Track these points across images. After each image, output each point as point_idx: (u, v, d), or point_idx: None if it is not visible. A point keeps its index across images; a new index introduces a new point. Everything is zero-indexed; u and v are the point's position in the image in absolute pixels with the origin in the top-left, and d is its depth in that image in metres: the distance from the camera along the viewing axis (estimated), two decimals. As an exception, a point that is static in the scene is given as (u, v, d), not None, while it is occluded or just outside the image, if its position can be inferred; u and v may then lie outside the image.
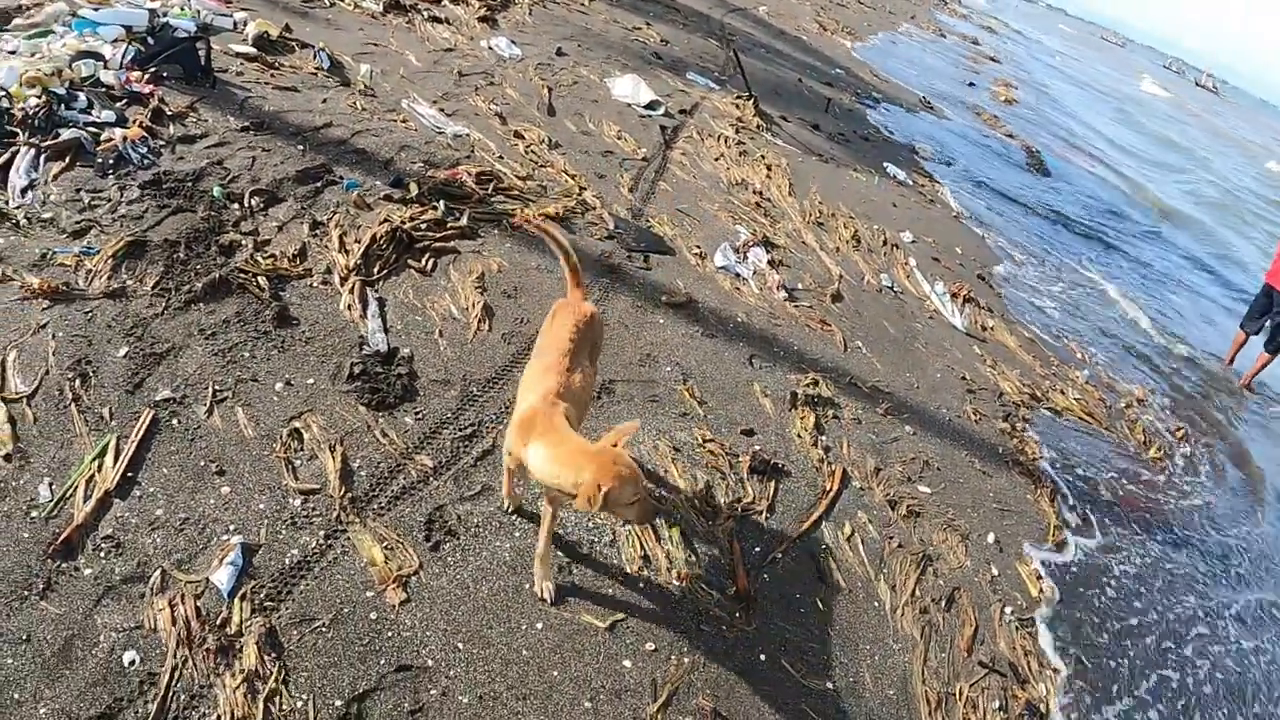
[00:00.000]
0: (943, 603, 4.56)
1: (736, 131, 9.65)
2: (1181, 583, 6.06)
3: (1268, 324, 10.06)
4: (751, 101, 10.79)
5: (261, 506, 3.48)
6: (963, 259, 9.37)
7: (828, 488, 4.91)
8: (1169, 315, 11.39)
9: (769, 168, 8.90)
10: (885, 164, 11.54)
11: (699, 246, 6.78)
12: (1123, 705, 4.63)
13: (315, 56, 7.61)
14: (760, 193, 8.31)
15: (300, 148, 6.04)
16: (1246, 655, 5.58)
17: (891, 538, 4.81)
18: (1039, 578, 5.14)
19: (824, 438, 5.31)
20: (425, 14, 9.71)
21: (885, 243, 8.54)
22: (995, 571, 5.01)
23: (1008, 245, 10.97)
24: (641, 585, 3.75)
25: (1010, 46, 44.80)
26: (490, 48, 9.45)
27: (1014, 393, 7.11)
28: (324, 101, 6.85)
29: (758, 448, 4.91)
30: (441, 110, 7.52)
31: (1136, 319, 10.69)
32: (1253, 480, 8.13)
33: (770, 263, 7.03)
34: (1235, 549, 6.77)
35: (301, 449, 3.78)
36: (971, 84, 24.13)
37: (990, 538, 5.26)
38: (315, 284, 4.82)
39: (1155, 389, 8.89)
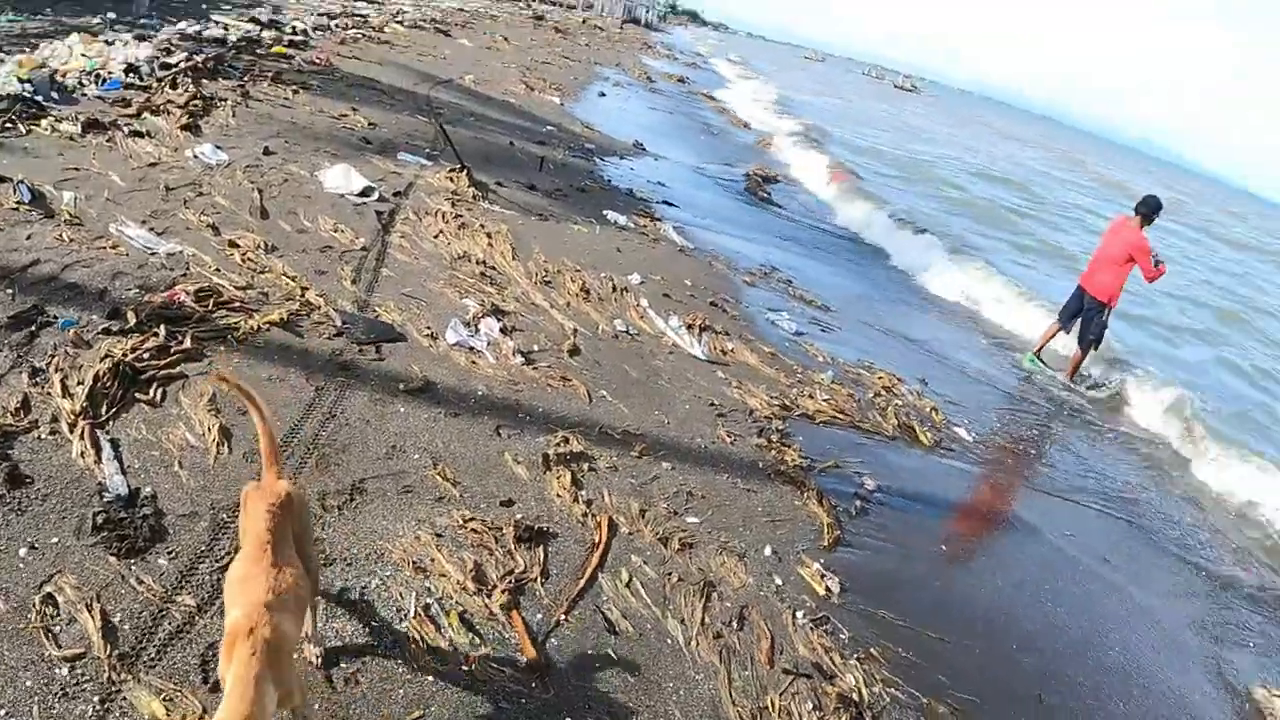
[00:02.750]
0: (734, 623, 4.75)
1: (453, 205, 9.69)
2: (957, 554, 6.76)
3: (1078, 322, 11.66)
4: (465, 172, 10.85)
5: (29, 683, 3.33)
6: (694, 290, 9.70)
7: (597, 540, 5.02)
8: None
9: (489, 236, 8.99)
10: (605, 212, 11.82)
11: (429, 327, 6.79)
12: (923, 679, 4.97)
13: (15, 190, 7.28)
14: (484, 262, 8.40)
15: (9, 291, 5.77)
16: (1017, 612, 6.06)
17: (670, 574, 4.96)
18: (822, 577, 5.41)
19: (583, 492, 5.43)
20: (126, 129, 9.32)
21: (615, 289, 8.75)
22: (779, 581, 5.26)
23: (735, 269, 11.41)
24: (431, 680, 3.76)
25: (708, 75, 46.84)
26: (196, 156, 9.17)
27: (764, 407, 7.42)
28: (28, 238, 6.53)
29: (520, 516, 4.99)
30: (152, 230, 7.27)
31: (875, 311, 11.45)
32: (1015, 453, 8.97)
33: (503, 330, 7.11)
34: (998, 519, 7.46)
35: (59, 614, 3.63)
36: (684, 121, 25.01)
37: (767, 550, 5.50)
38: (43, 435, 4.62)
39: (910, 375, 9.63)
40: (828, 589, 5.35)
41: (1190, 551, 8.21)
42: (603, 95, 26.07)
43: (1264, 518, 9.37)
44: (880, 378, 9.11)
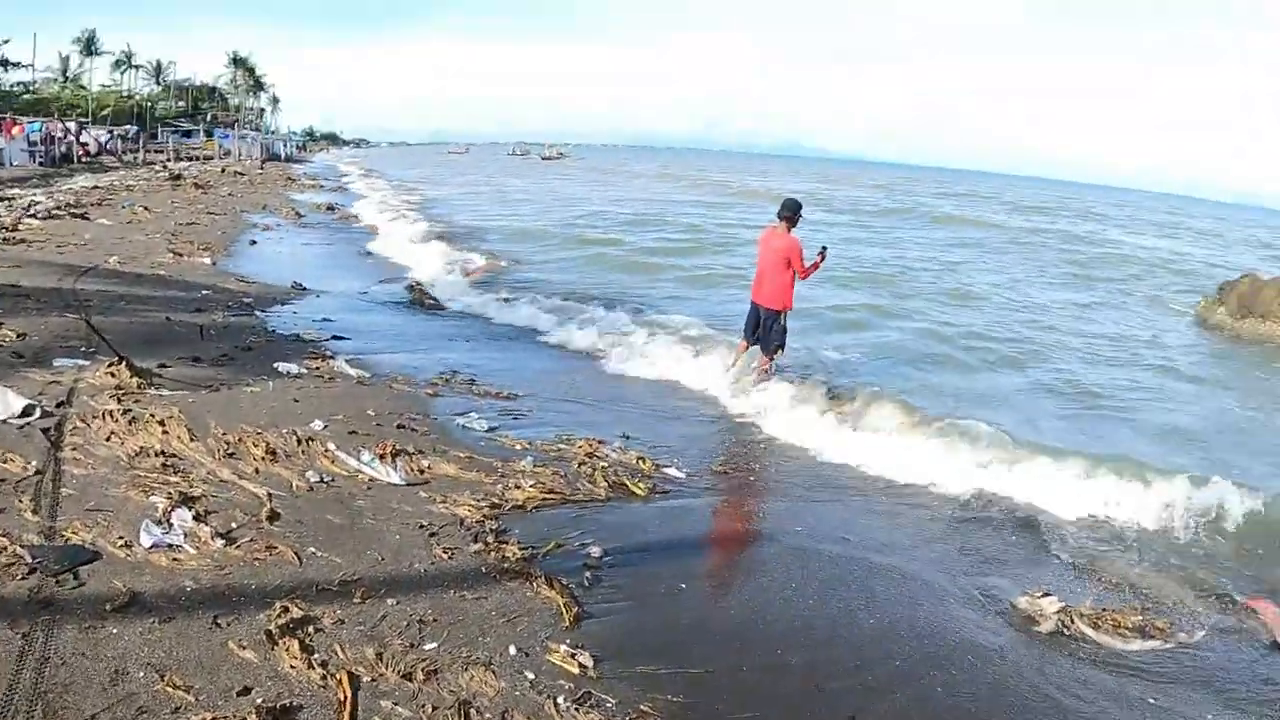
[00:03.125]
0: (500, 732, 4.85)
1: (120, 401, 9.38)
2: (700, 586, 7.21)
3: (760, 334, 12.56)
4: (123, 364, 10.54)
5: None
6: (379, 418, 9.79)
7: (341, 699, 5.06)
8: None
9: (163, 423, 8.75)
10: (276, 364, 11.74)
11: (122, 537, 6.60)
12: (699, 713, 5.34)
13: None
14: (163, 452, 8.19)
15: None
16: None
17: (424, 705, 5.07)
18: (573, 656, 5.66)
19: (316, 655, 5.45)
20: None
21: (300, 441, 8.70)
22: (532, 675, 5.45)
23: (417, 384, 11.70)
24: None
25: (353, 196, 47.38)
26: None
27: (473, 513, 7.63)
28: None
29: (260, 700, 4.97)
30: None
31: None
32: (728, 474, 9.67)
33: (196, 517, 6.98)
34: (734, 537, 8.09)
35: None
36: (340, 249, 25.25)
37: (512, 649, 5.69)
38: None
39: (610, 434, 10.17)
40: (581, 665, 5.58)
41: (912, 505, 9.05)
42: (254, 243, 25.88)
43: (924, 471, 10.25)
44: (581, 446, 9.49)
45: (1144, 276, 32.52)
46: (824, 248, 12.72)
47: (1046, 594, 7.31)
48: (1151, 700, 6.19)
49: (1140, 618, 7.17)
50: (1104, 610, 7.20)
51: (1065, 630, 6.93)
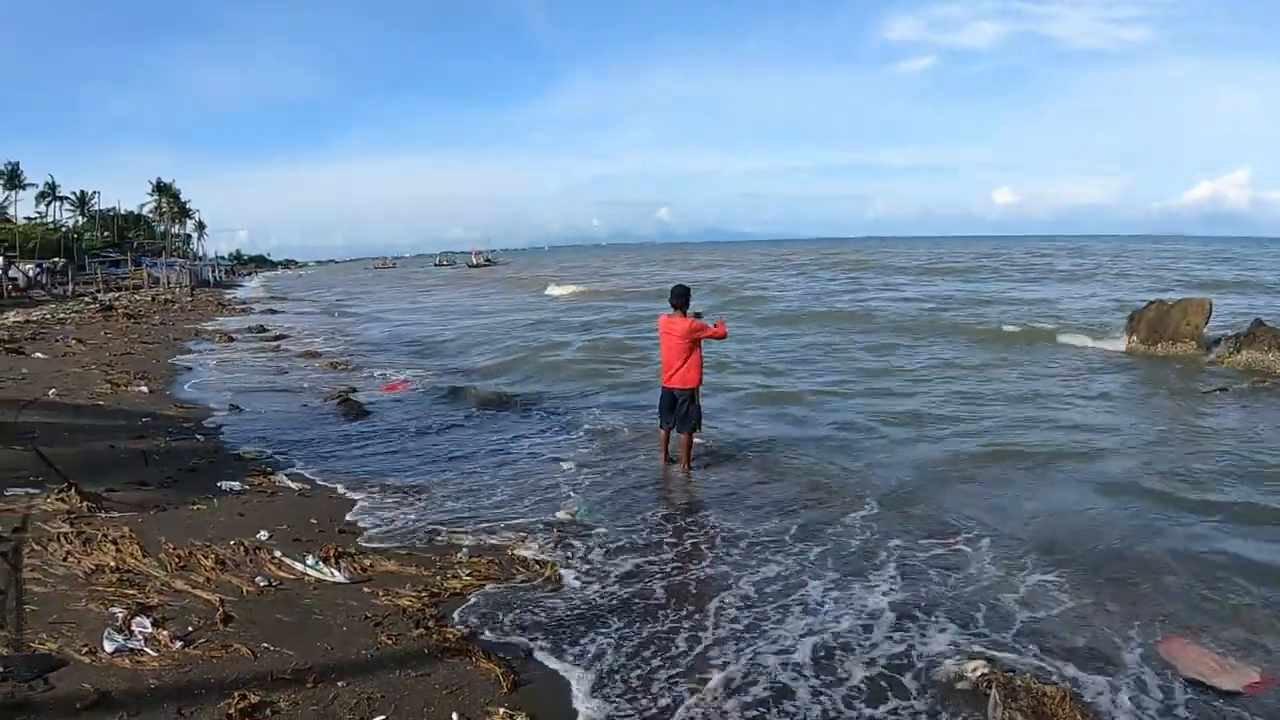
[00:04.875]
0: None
1: (73, 524, 9.80)
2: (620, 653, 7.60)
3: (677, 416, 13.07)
4: (72, 490, 10.95)
5: None
6: (321, 525, 10.38)
7: (299, 766, 5.60)
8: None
9: (115, 543, 9.19)
10: (219, 483, 12.19)
11: (86, 644, 7.02)
12: None
13: None
14: (118, 569, 8.62)
15: None
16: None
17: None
18: (511, 717, 6.28)
19: (280, 741, 5.99)
20: None
21: (247, 550, 9.21)
22: (471, 739, 5.98)
23: (356, 489, 12.27)
24: None
25: (282, 318, 47.78)
26: None
27: (414, 603, 8.17)
28: None
29: (225, 772, 5.48)
30: None
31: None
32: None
33: (155, 624, 7.43)
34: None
35: None
36: (271, 370, 25.64)
37: (454, 716, 6.26)
38: None
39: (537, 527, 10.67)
40: (519, 726, 6.20)
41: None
42: (190, 369, 26.15)
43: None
44: (512, 535, 10.08)
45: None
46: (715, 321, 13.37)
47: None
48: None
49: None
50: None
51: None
